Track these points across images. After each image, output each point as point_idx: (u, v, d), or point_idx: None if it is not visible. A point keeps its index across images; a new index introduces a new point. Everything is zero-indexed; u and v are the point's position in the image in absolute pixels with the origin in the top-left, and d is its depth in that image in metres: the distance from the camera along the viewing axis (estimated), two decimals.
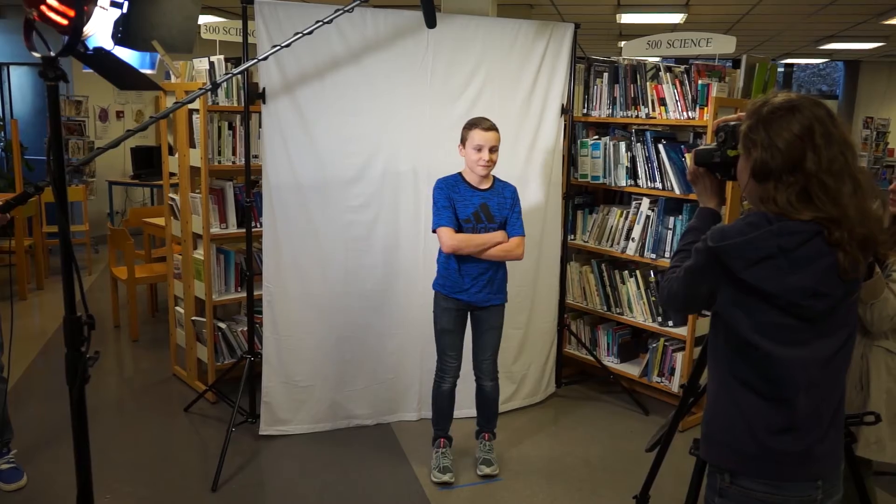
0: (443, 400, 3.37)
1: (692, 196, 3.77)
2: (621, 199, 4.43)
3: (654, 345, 4.10)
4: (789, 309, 1.51)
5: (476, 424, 3.50)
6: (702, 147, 1.79)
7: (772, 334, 1.53)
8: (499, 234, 3.20)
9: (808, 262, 1.47)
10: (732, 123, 1.68)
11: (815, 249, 1.47)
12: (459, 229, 3.17)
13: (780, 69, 13.82)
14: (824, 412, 1.59)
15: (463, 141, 3.19)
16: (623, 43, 4.77)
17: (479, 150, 3.12)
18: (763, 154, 1.50)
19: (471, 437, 3.57)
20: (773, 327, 1.53)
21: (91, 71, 1.88)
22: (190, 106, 3.87)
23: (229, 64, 3.95)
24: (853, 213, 1.47)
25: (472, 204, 3.20)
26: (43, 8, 1.63)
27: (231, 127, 3.94)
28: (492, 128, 3.14)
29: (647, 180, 4.02)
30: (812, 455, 1.58)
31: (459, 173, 3.26)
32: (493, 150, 3.14)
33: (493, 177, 3.27)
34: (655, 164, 3.96)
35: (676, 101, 3.87)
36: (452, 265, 3.21)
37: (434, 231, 3.17)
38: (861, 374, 2.30)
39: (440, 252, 3.27)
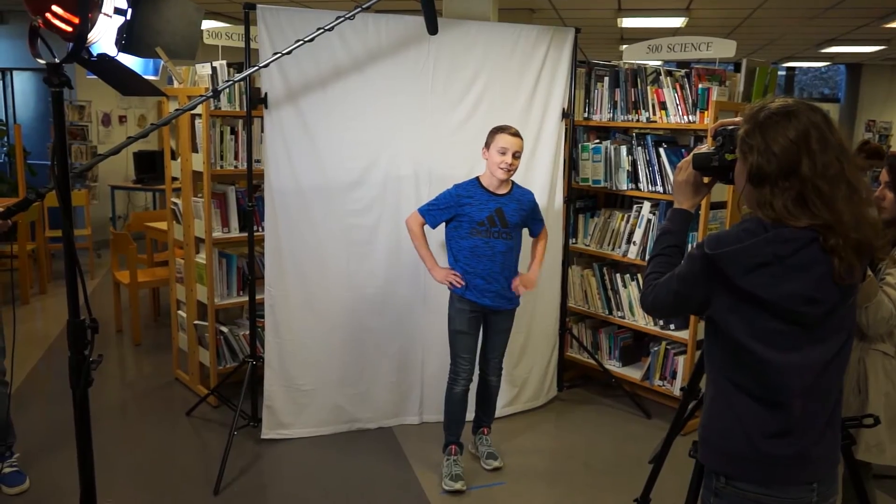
0: (455, 404, 3.38)
1: None
2: (622, 202, 4.44)
3: (656, 348, 4.11)
4: (785, 315, 1.51)
5: (475, 420, 3.56)
6: (700, 151, 1.79)
7: (767, 340, 1.53)
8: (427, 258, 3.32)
9: (803, 269, 1.48)
10: (730, 128, 1.68)
11: (810, 256, 1.48)
12: (472, 232, 3.22)
13: (782, 73, 13.82)
14: (820, 415, 1.59)
15: (487, 144, 3.22)
16: (624, 47, 4.78)
17: (503, 153, 3.15)
18: (759, 159, 1.51)
19: (467, 441, 3.59)
20: (768, 333, 1.53)
21: (95, 77, 1.90)
22: (192, 111, 3.88)
23: (231, 69, 3.96)
24: (848, 218, 1.47)
25: (487, 208, 3.22)
26: (48, 15, 1.65)
27: (233, 132, 3.95)
28: (517, 135, 3.19)
29: (648, 184, 4.03)
30: (807, 458, 1.58)
31: (477, 178, 3.28)
32: (516, 156, 3.18)
33: (512, 182, 3.31)
34: (656, 167, 3.97)
35: (677, 104, 3.88)
36: (459, 267, 3.25)
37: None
38: (859, 378, 2.30)
39: (449, 254, 3.31)
